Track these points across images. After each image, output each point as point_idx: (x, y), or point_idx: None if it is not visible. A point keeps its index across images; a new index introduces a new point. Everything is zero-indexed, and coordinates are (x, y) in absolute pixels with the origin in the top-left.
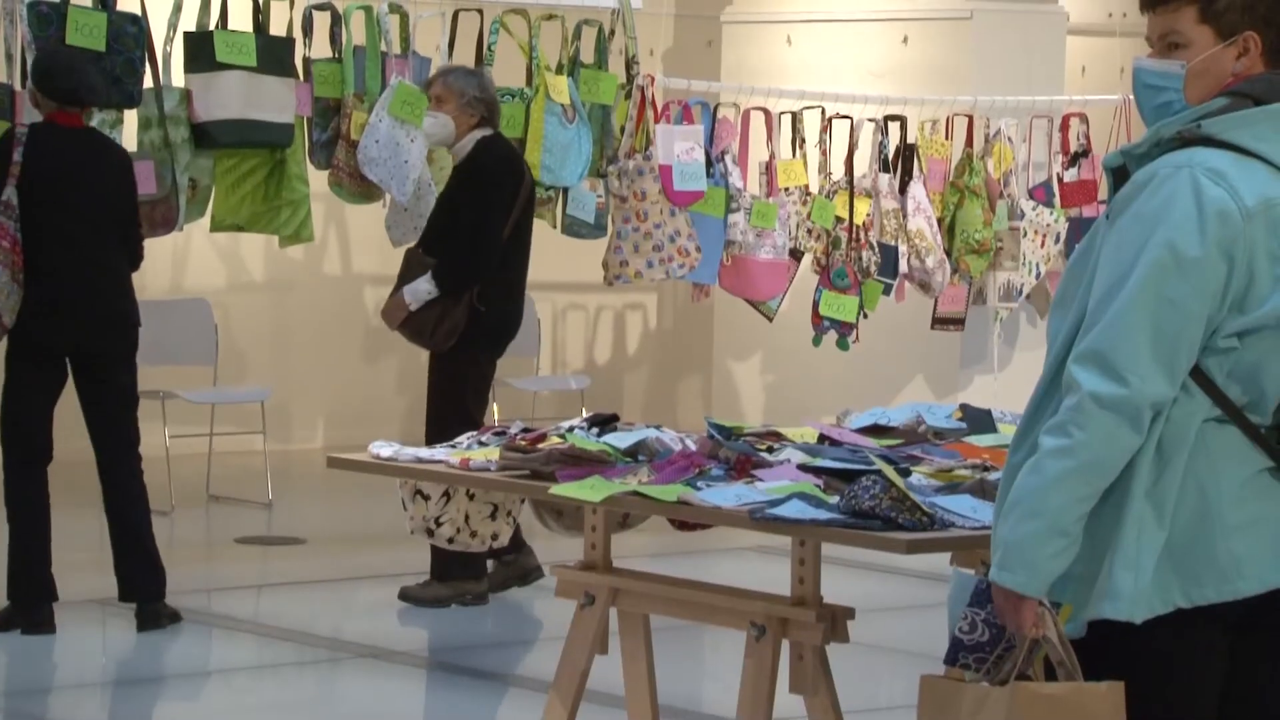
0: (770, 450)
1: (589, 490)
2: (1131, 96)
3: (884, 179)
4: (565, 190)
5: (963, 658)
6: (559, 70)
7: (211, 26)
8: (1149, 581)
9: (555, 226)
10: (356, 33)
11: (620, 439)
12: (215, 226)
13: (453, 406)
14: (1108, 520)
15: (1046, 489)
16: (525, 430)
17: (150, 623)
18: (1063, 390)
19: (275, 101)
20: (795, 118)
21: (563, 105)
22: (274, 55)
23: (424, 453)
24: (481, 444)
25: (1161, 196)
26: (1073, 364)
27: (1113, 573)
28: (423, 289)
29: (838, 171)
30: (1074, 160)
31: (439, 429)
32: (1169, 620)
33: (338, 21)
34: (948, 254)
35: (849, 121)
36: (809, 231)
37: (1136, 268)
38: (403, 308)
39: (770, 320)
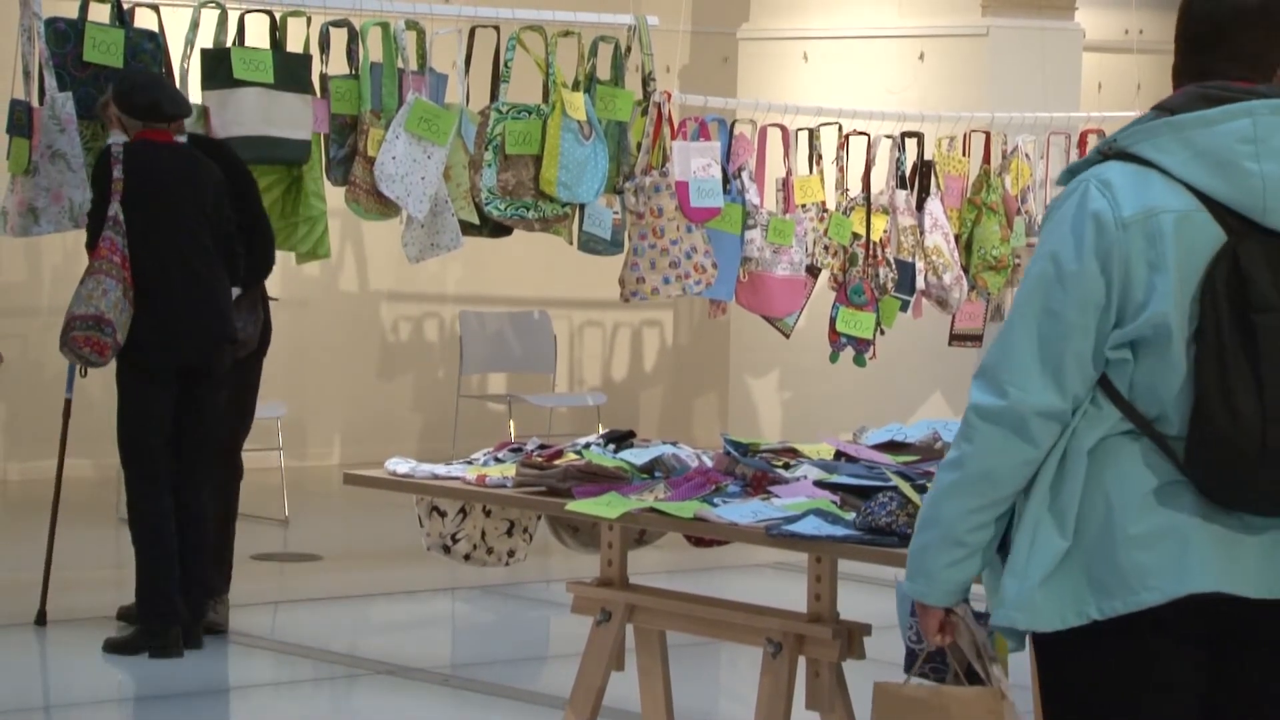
0: (786, 467)
1: (605, 507)
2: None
3: (901, 195)
4: (582, 207)
5: (920, 667)
6: (575, 87)
7: (228, 43)
8: (1037, 589)
9: (572, 243)
10: (373, 49)
11: (636, 455)
12: None
13: (247, 416)
14: (1013, 531)
15: (939, 500)
16: (541, 447)
17: (193, 643)
18: None
19: (292, 118)
20: (812, 134)
21: (579, 122)
22: (291, 72)
23: (440, 469)
24: (498, 460)
25: (1060, 211)
26: (972, 378)
27: (1003, 581)
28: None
29: (855, 188)
30: None
31: (232, 444)
32: (1097, 632)
33: (354, 38)
34: (965, 270)
35: (866, 138)
36: (826, 248)
37: (1027, 281)
38: None
39: (787, 337)
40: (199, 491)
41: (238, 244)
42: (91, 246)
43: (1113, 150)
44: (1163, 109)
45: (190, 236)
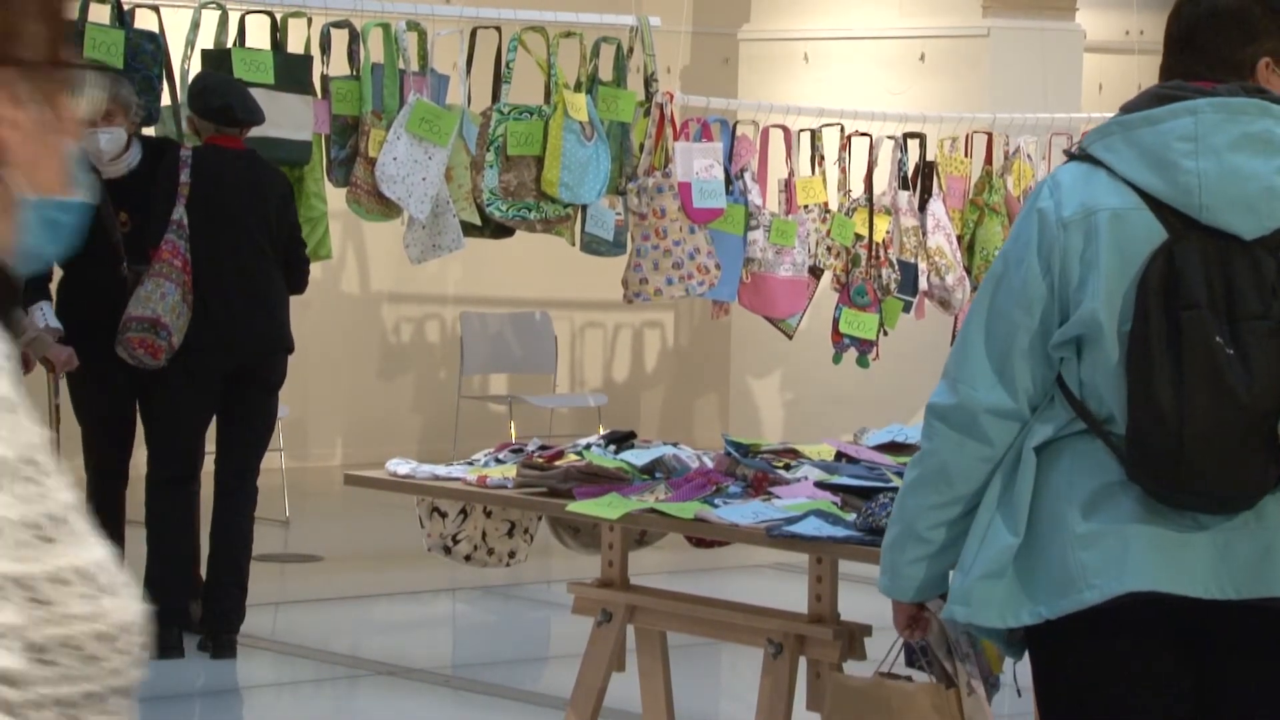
0: (787, 467)
1: (606, 507)
2: None
3: (903, 196)
4: (584, 208)
5: (922, 660)
6: (577, 88)
7: (229, 44)
8: (975, 582)
9: (574, 244)
10: (374, 50)
11: (637, 456)
12: None
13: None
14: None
15: (904, 496)
16: (542, 448)
17: (226, 651)
18: None
19: (293, 119)
20: (814, 135)
21: (581, 123)
22: (292, 73)
23: (441, 470)
24: (499, 461)
25: (1021, 212)
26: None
27: (953, 574)
28: None
29: (857, 189)
30: None
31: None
32: (1076, 631)
33: (355, 39)
34: (967, 271)
35: (868, 139)
36: (828, 249)
37: (984, 281)
38: None
39: (790, 338)
40: (242, 496)
41: (299, 253)
42: (155, 246)
43: (1078, 151)
44: (1123, 109)
45: (249, 242)
